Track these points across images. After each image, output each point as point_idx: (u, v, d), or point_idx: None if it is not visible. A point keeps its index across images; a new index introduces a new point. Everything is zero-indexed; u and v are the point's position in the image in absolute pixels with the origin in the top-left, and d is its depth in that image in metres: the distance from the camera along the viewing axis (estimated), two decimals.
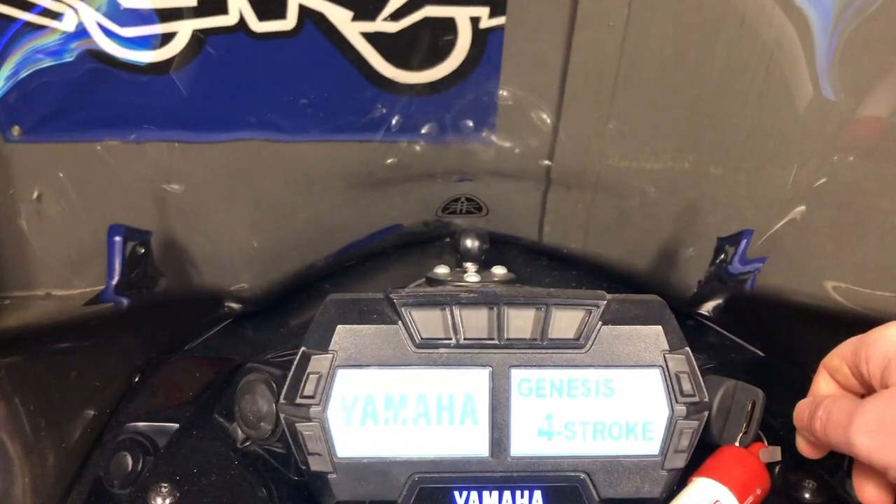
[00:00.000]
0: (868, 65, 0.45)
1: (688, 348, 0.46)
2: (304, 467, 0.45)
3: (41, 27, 0.46)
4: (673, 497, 0.46)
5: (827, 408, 0.42)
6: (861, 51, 0.45)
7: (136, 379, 0.60)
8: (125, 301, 0.57)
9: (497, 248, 0.65)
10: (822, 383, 0.46)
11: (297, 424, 0.44)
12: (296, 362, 0.45)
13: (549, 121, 0.56)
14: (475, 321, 0.46)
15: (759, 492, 0.46)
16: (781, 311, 0.57)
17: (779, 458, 0.48)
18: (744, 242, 0.57)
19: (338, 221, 0.64)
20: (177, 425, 0.54)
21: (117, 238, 0.55)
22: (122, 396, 0.58)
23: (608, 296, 0.47)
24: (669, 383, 0.45)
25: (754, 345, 0.65)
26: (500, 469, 0.45)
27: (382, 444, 0.45)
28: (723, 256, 0.59)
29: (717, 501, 0.45)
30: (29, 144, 0.50)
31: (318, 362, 0.44)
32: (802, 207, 0.52)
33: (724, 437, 0.49)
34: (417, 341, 0.45)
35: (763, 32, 0.47)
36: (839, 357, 0.45)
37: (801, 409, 0.45)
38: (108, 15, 0.46)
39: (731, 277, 0.59)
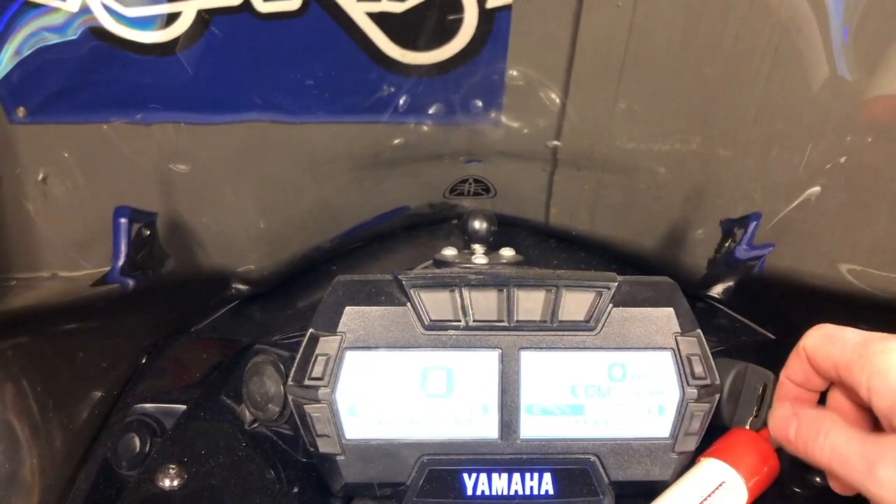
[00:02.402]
0: (884, 42, 0.45)
1: (699, 330, 0.46)
2: (312, 449, 0.45)
3: (44, 6, 0.46)
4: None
5: (832, 443, 0.39)
6: (877, 27, 0.44)
7: (143, 360, 0.60)
8: (131, 282, 0.57)
9: (505, 230, 0.65)
10: (796, 366, 0.44)
11: (305, 406, 0.44)
12: (304, 344, 0.45)
13: (557, 101, 0.55)
14: (484, 303, 0.45)
15: (767, 475, 0.46)
16: (792, 293, 0.57)
17: None
18: (752, 225, 0.57)
19: (344, 203, 0.64)
20: (184, 407, 0.54)
21: (123, 220, 0.55)
22: (129, 378, 0.58)
23: (619, 277, 0.46)
24: (681, 366, 0.45)
25: (765, 327, 0.65)
26: (510, 451, 0.45)
27: (391, 426, 0.45)
28: (731, 239, 0.58)
29: (723, 483, 0.45)
30: (34, 125, 0.49)
31: (327, 344, 0.44)
32: (812, 189, 0.52)
33: (734, 420, 0.49)
34: (426, 323, 0.45)
35: (775, 11, 0.46)
36: (827, 357, 0.42)
37: (782, 424, 0.43)
38: None
39: (739, 261, 0.59)
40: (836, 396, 0.44)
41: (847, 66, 0.46)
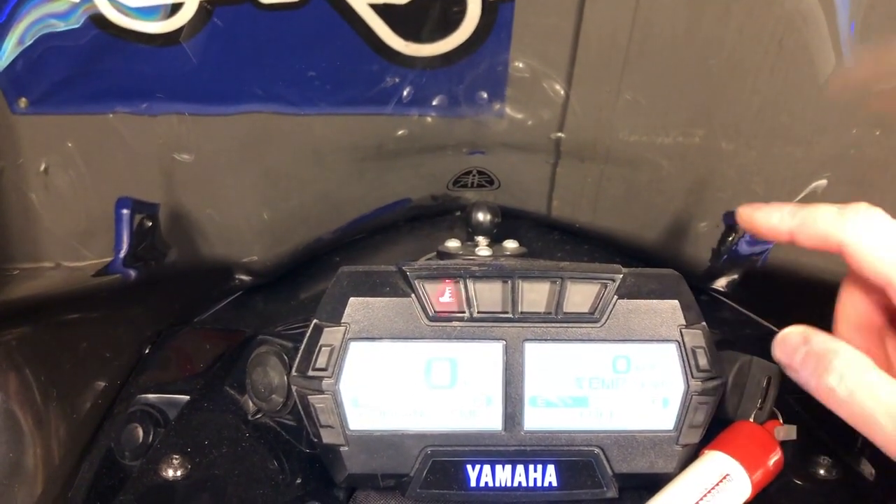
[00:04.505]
0: (893, 33, 0.45)
1: (704, 323, 0.46)
2: (315, 440, 0.45)
3: None
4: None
5: (847, 386, 0.35)
6: (885, 18, 0.44)
7: (146, 350, 0.60)
8: (134, 273, 0.57)
9: (508, 222, 0.65)
10: (848, 304, 0.41)
11: (308, 397, 0.44)
12: (308, 334, 0.45)
13: (561, 92, 0.55)
14: (489, 294, 0.45)
15: (771, 468, 0.46)
16: (796, 285, 0.57)
17: (794, 436, 0.48)
18: None
19: (347, 194, 0.64)
20: (187, 397, 0.53)
21: (125, 210, 0.55)
22: (132, 368, 0.58)
23: (624, 269, 0.46)
24: (685, 358, 0.45)
25: (769, 320, 0.65)
26: (514, 443, 0.45)
27: (395, 418, 0.45)
28: (734, 232, 0.58)
29: (726, 475, 0.44)
30: (36, 116, 0.49)
31: (331, 335, 0.44)
32: (818, 183, 0.52)
33: (738, 413, 0.48)
34: (430, 314, 0.45)
35: (780, 2, 0.46)
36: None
37: (789, 350, 0.40)
38: None
39: (743, 254, 0.59)
40: None
41: (854, 58, 0.46)
